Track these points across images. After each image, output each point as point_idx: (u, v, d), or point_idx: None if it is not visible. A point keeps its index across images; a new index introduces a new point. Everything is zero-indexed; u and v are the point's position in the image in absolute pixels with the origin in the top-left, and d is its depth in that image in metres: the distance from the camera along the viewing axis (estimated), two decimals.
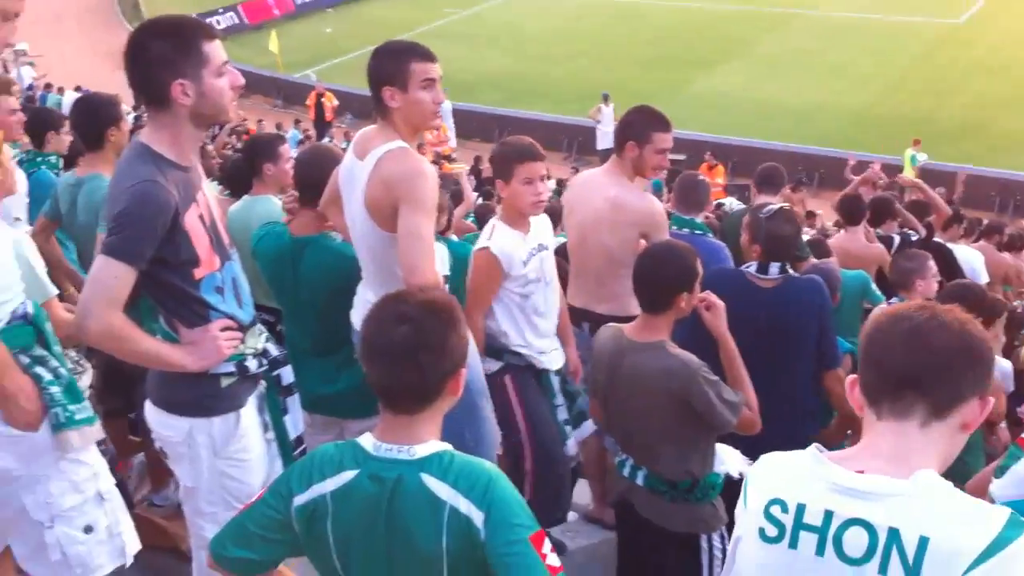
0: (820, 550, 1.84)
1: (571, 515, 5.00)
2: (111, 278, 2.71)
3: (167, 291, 2.91)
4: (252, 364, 3.09)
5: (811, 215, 15.38)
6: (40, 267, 3.28)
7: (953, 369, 1.85)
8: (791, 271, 4.42)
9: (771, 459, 2.04)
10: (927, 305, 1.93)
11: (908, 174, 19.90)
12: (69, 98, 23.67)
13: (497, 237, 4.20)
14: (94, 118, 4.85)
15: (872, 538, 1.78)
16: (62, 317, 3.18)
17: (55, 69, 28.22)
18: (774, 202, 6.20)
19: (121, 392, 4.75)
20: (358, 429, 3.77)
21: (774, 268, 4.33)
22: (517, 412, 4.30)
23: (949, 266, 7.78)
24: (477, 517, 2.06)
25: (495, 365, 4.28)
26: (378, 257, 3.49)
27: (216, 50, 2.87)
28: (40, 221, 4.99)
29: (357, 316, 3.70)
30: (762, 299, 4.31)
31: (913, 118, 24.12)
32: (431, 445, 2.16)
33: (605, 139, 23.94)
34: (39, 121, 5.91)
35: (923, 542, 1.74)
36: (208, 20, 34.82)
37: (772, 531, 1.91)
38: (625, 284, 4.13)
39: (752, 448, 3.73)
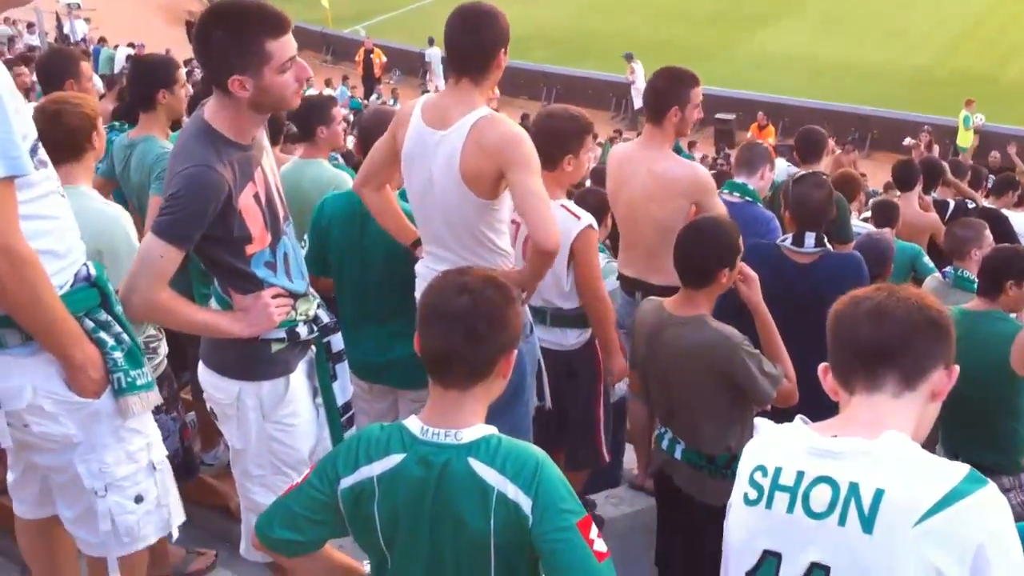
0: (791, 508, 1.92)
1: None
2: (157, 257, 2.76)
3: (219, 265, 2.96)
4: (303, 330, 3.13)
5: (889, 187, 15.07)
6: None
7: (918, 338, 1.95)
8: (829, 245, 4.32)
9: (764, 429, 2.13)
10: (883, 286, 2.03)
11: (962, 136, 19.62)
12: (122, 53, 23.90)
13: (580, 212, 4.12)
14: (146, 79, 4.84)
15: (834, 493, 1.86)
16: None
17: (108, 23, 28.37)
18: (817, 168, 6.18)
19: (175, 353, 4.76)
20: (412, 398, 3.87)
21: (809, 240, 4.25)
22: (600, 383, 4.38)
23: (1006, 234, 7.64)
24: (525, 503, 2.06)
25: (585, 333, 4.29)
26: (469, 224, 3.42)
27: (281, 48, 2.81)
28: (97, 181, 5.06)
29: (418, 291, 3.67)
30: (798, 274, 4.24)
31: (972, 79, 23.58)
32: (478, 429, 2.15)
33: (640, 97, 23.86)
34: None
35: (878, 494, 1.81)
36: None
37: (753, 494, 1.99)
38: None
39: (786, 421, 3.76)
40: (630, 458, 5.21)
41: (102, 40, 25.85)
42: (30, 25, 26.07)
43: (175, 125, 4.95)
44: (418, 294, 3.60)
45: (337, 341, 3.34)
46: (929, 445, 4.80)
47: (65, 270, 2.59)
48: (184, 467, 4.02)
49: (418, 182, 3.49)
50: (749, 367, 3.47)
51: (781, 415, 3.61)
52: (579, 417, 4.34)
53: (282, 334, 3.05)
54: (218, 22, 2.81)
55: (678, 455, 3.74)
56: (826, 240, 4.32)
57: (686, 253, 3.61)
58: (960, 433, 4.41)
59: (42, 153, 2.53)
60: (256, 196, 2.94)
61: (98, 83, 17.60)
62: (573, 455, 4.40)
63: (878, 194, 16.00)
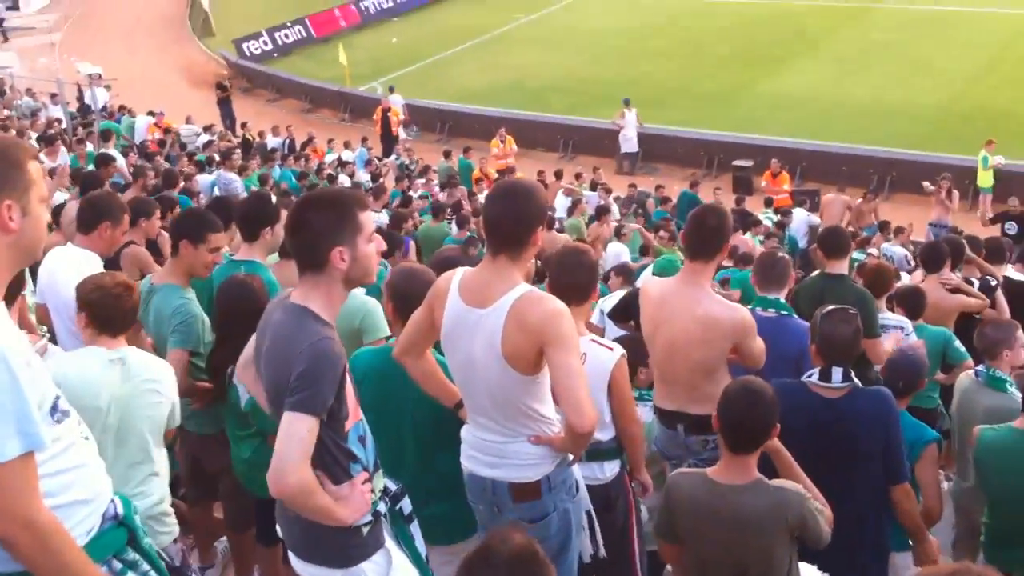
0: None
1: None
2: (305, 432, 2.90)
3: (321, 447, 3.03)
4: (382, 507, 3.31)
5: (900, 231, 14.97)
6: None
7: None
8: (857, 380, 4.30)
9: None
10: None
11: (982, 176, 19.45)
12: (142, 121, 24.24)
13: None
14: (175, 228, 5.03)
15: None
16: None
17: (130, 89, 28.77)
18: (842, 267, 6.23)
19: (205, 483, 5.14)
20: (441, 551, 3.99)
21: (837, 375, 4.25)
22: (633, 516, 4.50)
23: None
24: None
25: (618, 465, 4.39)
26: (511, 398, 3.52)
27: (368, 219, 3.12)
28: None
29: (464, 457, 3.79)
30: (826, 409, 4.24)
31: (993, 115, 23.35)
32: None
33: (627, 144, 24.08)
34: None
35: None
36: (276, 34, 35.40)
37: None
38: (718, 386, 4.14)
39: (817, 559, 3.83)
40: None
41: (121, 108, 26.16)
42: (53, 96, 26.49)
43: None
44: (463, 459, 3.78)
45: (407, 504, 3.51)
46: (969, 555, 4.80)
47: (93, 514, 2.69)
48: None
49: (460, 359, 3.58)
50: (815, 515, 3.57)
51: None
52: (615, 548, 4.34)
53: (369, 517, 3.22)
54: (316, 204, 3.12)
55: None
56: (853, 375, 4.29)
57: (741, 419, 3.60)
58: (1012, 550, 4.45)
59: (63, 403, 2.59)
60: (346, 369, 3.08)
61: (120, 161, 17.97)
62: None
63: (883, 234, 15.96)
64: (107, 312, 3.80)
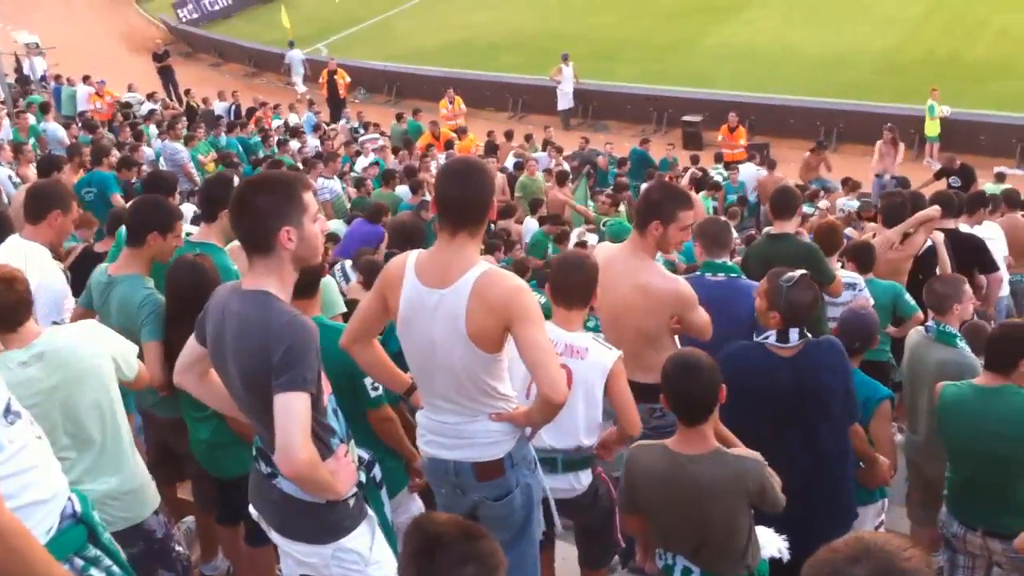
0: None
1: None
2: (302, 410, 2.94)
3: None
4: (361, 475, 3.39)
5: (856, 185, 15.11)
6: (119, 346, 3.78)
7: None
8: (808, 335, 4.37)
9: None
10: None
11: (929, 125, 19.68)
12: (83, 91, 23.73)
13: None
14: (143, 218, 4.84)
15: None
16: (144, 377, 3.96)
17: (69, 58, 28.12)
18: (788, 227, 6.27)
19: (173, 465, 5.13)
20: None
21: (794, 335, 4.31)
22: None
23: (981, 258, 7.79)
24: None
25: (590, 474, 4.41)
26: (474, 378, 3.51)
27: (311, 199, 3.16)
28: (76, 311, 5.04)
29: (423, 443, 3.80)
30: (785, 368, 4.31)
31: (939, 61, 23.56)
32: None
33: (564, 99, 24.19)
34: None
35: None
36: None
37: None
38: (661, 355, 4.19)
39: (790, 521, 3.90)
40: None
41: (57, 78, 25.62)
42: None
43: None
44: (420, 442, 3.80)
45: (378, 471, 3.67)
46: (933, 512, 4.91)
47: (51, 514, 2.69)
48: None
49: (418, 341, 3.56)
50: (771, 482, 3.63)
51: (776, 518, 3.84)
52: (599, 527, 4.55)
53: (354, 488, 3.30)
54: (260, 187, 3.14)
55: None
56: (805, 330, 4.37)
57: (686, 393, 3.67)
58: (975, 503, 4.55)
59: (14, 404, 2.60)
60: None
61: (58, 132, 17.62)
62: (593, 558, 4.67)
63: (833, 189, 16.15)
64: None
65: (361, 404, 4.17)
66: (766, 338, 4.37)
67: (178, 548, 3.98)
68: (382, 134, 20.88)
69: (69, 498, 2.77)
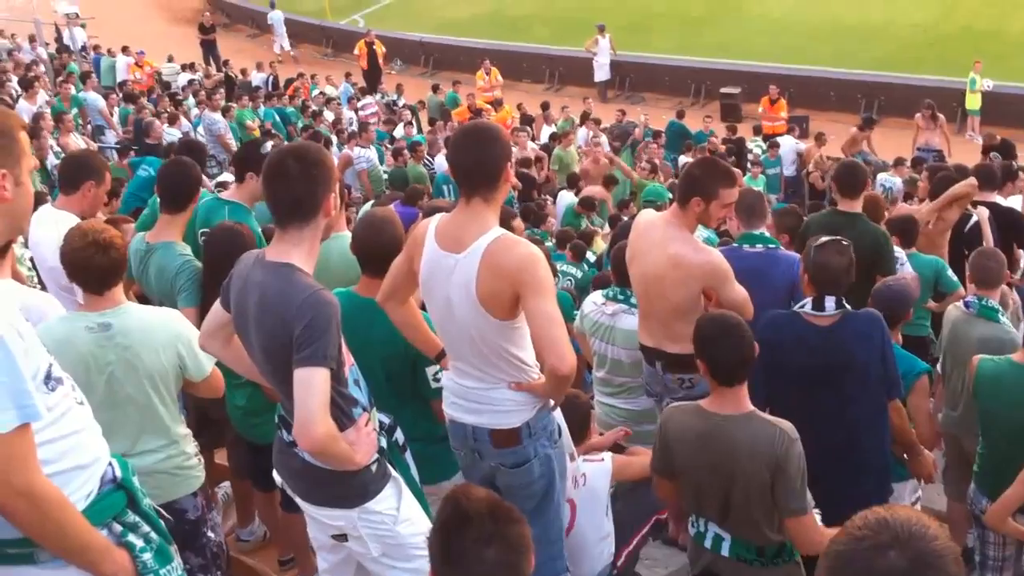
0: None
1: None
2: (321, 383, 2.96)
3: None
4: (383, 440, 3.42)
5: (900, 162, 14.87)
6: (194, 345, 3.73)
7: None
8: (847, 306, 4.31)
9: None
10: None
11: (970, 98, 19.38)
12: (122, 61, 23.88)
13: None
14: (182, 182, 4.91)
15: None
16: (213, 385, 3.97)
17: (108, 28, 28.28)
18: (856, 206, 6.10)
19: (210, 431, 5.11)
20: None
21: (830, 303, 4.25)
22: None
23: (1020, 233, 7.72)
24: None
25: None
26: (490, 343, 3.50)
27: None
28: None
29: (446, 404, 3.80)
30: (819, 337, 4.26)
31: (978, 34, 23.12)
32: None
33: (601, 71, 23.96)
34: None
35: None
36: None
37: None
38: (691, 326, 4.13)
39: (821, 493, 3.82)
40: None
41: (96, 48, 25.79)
42: (31, 37, 26.08)
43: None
44: (444, 404, 3.82)
45: (400, 435, 3.65)
46: (962, 486, 4.85)
47: (91, 479, 2.69)
48: None
49: (438, 304, 3.59)
50: (798, 462, 3.57)
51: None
52: None
53: (375, 454, 3.32)
54: (306, 156, 3.12)
55: (725, 552, 3.80)
56: (844, 301, 4.31)
57: (722, 352, 3.65)
58: (1008, 480, 4.42)
59: (55, 371, 2.58)
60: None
61: (99, 102, 17.75)
62: None
63: (885, 166, 15.91)
64: (80, 273, 3.73)
65: (421, 389, 4.17)
66: (802, 306, 4.33)
67: (210, 534, 3.97)
68: (403, 107, 20.94)
69: (110, 463, 2.77)
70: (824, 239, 4.34)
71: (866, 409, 4.32)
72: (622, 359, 5.36)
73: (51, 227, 4.79)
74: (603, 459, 4.32)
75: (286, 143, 10.05)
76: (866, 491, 4.22)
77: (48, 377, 2.51)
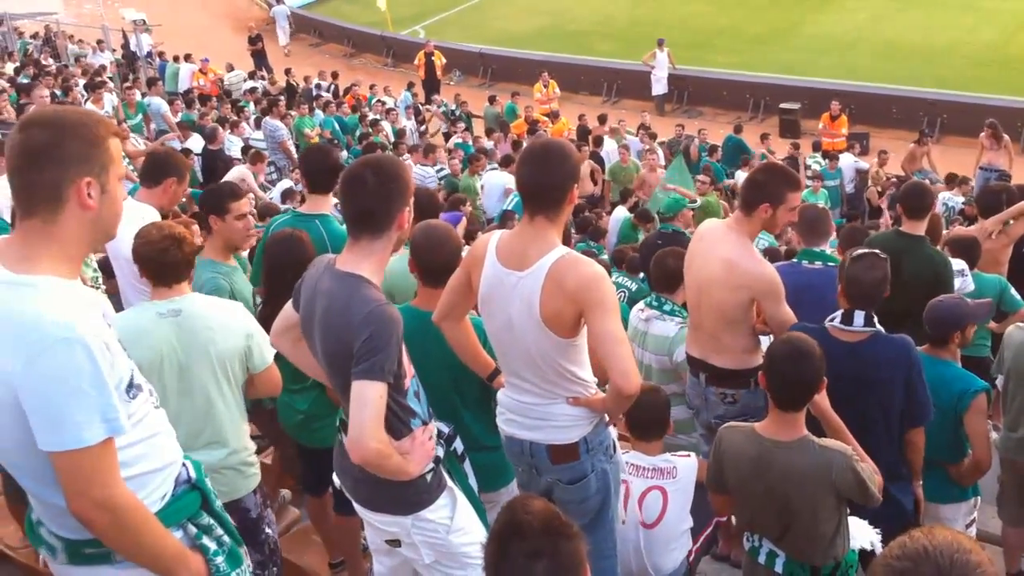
0: None
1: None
2: (376, 398, 2.99)
3: (386, 409, 3.10)
4: (440, 451, 3.41)
5: (964, 181, 14.69)
6: (258, 335, 3.84)
7: None
8: (880, 326, 4.25)
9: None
10: None
11: None
12: (186, 69, 24.29)
13: None
14: (324, 165, 5.22)
15: None
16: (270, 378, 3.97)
17: (174, 35, 28.84)
18: (919, 229, 5.94)
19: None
20: None
21: (859, 318, 4.19)
22: None
23: None
24: None
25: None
26: (549, 360, 3.52)
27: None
28: None
29: (502, 421, 3.83)
30: (844, 354, 4.18)
31: None
32: None
33: (659, 85, 23.86)
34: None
35: None
36: None
37: None
38: (739, 340, 4.15)
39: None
40: None
41: (161, 55, 26.27)
42: (99, 42, 26.62)
43: None
44: (499, 420, 3.84)
45: (459, 444, 3.63)
46: (1019, 511, 4.75)
47: (166, 481, 2.73)
48: None
49: (497, 321, 3.60)
50: (861, 475, 3.56)
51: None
52: None
53: (431, 464, 3.34)
54: (385, 169, 3.16)
55: (778, 568, 3.80)
56: (876, 320, 4.25)
57: (786, 380, 3.64)
58: None
59: (136, 378, 2.62)
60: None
61: (162, 107, 18.02)
62: None
63: (935, 181, 15.71)
64: (154, 266, 3.85)
65: (490, 394, 4.13)
66: (832, 320, 4.28)
67: (268, 531, 4.01)
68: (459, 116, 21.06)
69: (184, 464, 2.81)
70: (862, 251, 4.29)
71: (881, 436, 4.24)
72: (652, 364, 5.44)
73: (136, 222, 4.91)
74: (690, 455, 4.35)
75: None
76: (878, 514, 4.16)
77: (130, 385, 2.55)
